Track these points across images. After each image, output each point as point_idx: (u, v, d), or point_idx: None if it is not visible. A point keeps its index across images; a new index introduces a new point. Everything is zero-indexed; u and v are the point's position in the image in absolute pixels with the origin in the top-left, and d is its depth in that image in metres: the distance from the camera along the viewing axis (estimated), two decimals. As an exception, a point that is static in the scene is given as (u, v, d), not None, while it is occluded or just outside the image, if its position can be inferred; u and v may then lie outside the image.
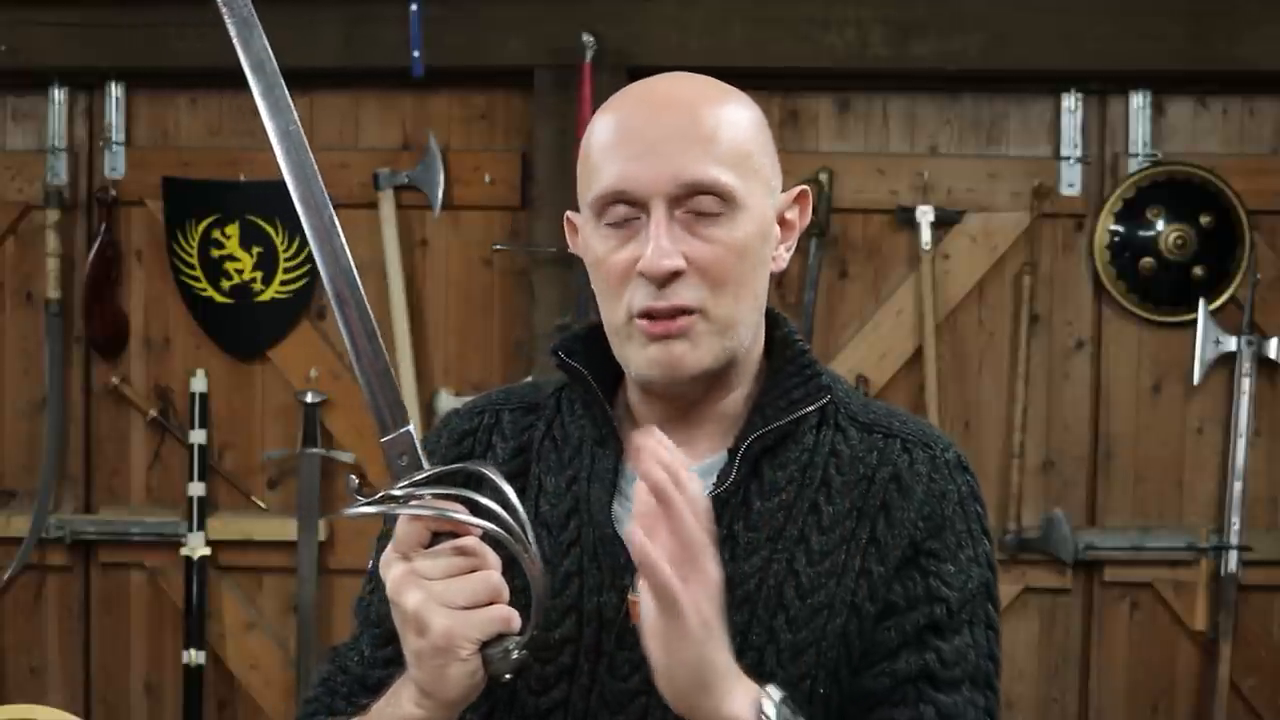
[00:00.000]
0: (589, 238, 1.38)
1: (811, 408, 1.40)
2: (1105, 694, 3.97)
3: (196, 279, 4.03)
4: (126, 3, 3.86)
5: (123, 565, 4.10)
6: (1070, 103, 3.90)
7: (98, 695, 4.14)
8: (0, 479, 4.14)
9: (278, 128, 1.32)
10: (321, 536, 4.00)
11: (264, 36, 1.33)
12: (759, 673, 1.31)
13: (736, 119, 1.37)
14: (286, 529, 4.01)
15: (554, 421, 1.46)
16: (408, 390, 3.92)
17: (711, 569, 1.21)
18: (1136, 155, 3.90)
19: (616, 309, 1.36)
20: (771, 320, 1.45)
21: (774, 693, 1.25)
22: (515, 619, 1.25)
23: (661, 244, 1.32)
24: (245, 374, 4.08)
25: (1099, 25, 3.77)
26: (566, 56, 3.76)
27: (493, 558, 1.26)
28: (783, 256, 1.43)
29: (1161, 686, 3.97)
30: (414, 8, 3.76)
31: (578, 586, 1.37)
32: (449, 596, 1.23)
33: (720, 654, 1.23)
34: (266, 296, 4.02)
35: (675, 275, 1.32)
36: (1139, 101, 3.90)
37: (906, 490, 1.37)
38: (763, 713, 1.23)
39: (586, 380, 1.42)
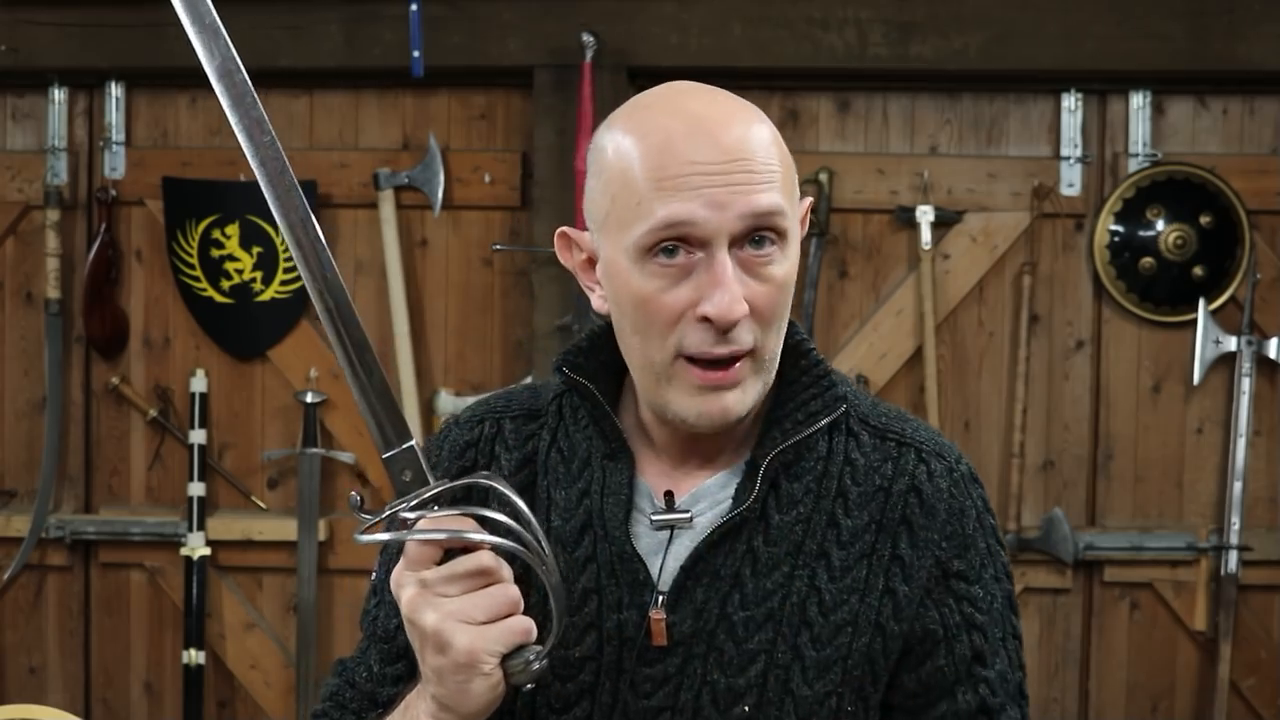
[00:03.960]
0: (626, 273, 1.30)
1: (828, 420, 1.37)
2: (1105, 694, 3.97)
3: (196, 279, 4.03)
4: (126, 3, 3.86)
5: (123, 565, 4.10)
6: (1070, 103, 3.90)
7: (97, 695, 4.14)
8: (0, 479, 4.14)
9: (251, 140, 1.25)
10: (321, 536, 3.99)
11: (230, 44, 1.26)
12: (785, 690, 1.32)
13: (777, 142, 1.33)
14: (286, 529, 4.01)
15: (559, 431, 1.42)
16: (408, 390, 3.92)
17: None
18: (1136, 155, 3.90)
19: (660, 347, 1.30)
20: None
21: None
22: (534, 629, 1.24)
23: (733, 289, 1.26)
24: (245, 374, 4.08)
25: (1099, 25, 3.77)
26: (566, 56, 3.75)
27: (506, 569, 1.25)
28: None
29: (1161, 686, 3.97)
30: (414, 8, 3.76)
31: (596, 604, 1.35)
32: (468, 612, 1.22)
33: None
34: (266, 296, 4.02)
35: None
36: (1139, 101, 3.90)
37: (929, 508, 1.36)
38: None
39: (595, 395, 1.39)
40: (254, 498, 4.07)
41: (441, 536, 1.23)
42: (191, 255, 4.02)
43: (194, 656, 3.99)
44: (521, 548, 1.24)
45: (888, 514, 1.35)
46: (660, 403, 1.33)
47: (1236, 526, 3.85)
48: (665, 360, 1.30)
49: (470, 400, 3.93)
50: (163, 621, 4.11)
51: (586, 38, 3.72)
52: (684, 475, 1.38)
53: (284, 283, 4.01)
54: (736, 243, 1.28)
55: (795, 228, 1.33)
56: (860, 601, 1.33)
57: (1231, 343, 3.87)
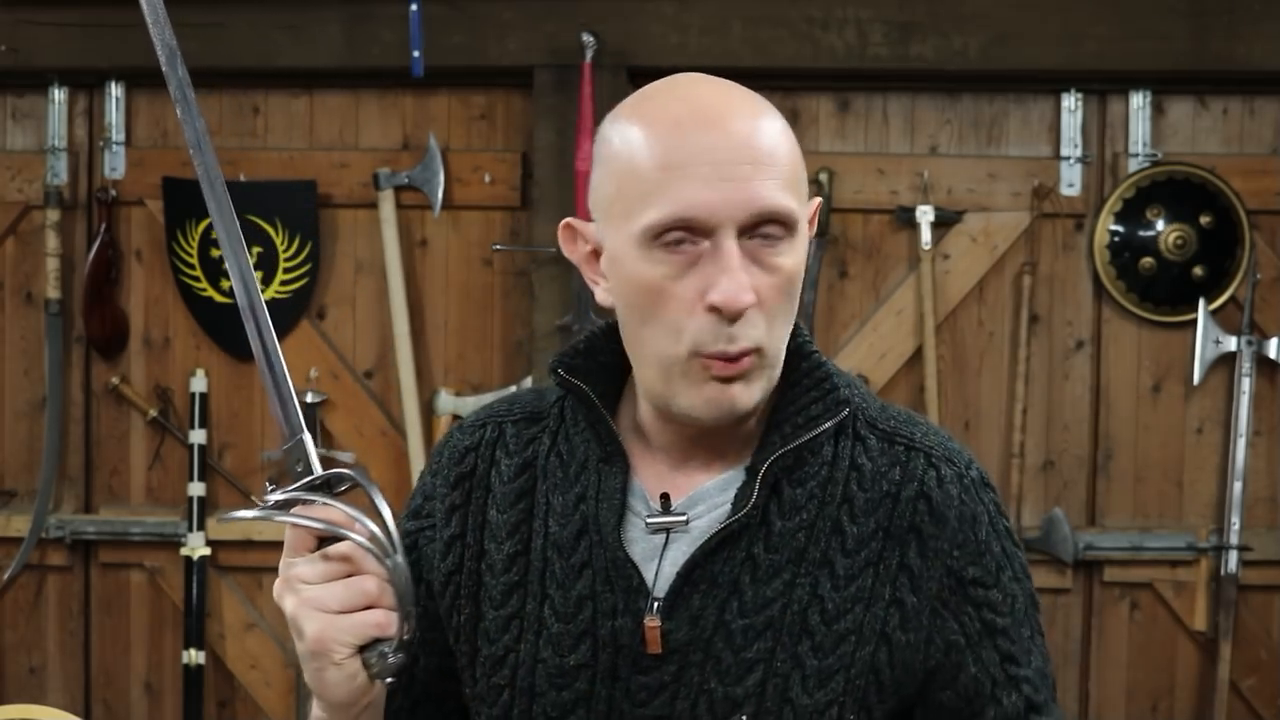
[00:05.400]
0: (632, 261, 1.28)
1: (830, 424, 1.33)
2: (1105, 694, 3.97)
3: (196, 279, 4.03)
4: (126, 3, 3.85)
5: (123, 565, 4.10)
6: (1070, 103, 3.90)
7: (97, 695, 4.15)
8: (0, 479, 4.14)
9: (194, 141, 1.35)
10: (321, 536, 3.99)
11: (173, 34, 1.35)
12: (783, 699, 1.29)
13: (786, 136, 1.30)
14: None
15: (559, 435, 1.40)
16: (408, 390, 3.92)
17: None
18: (1136, 155, 3.90)
19: (673, 343, 1.27)
20: None
21: None
22: (391, 624, 1.25)
23: (740, 277, 1.24)
24: (245, 374, 4.08)
25: (1099, 25, 3.77)
26: (566, 56, 3.75)
27: (371, 563, 1.25)
28: None
29: (1161, 686, 3.97)
30: (414, 8, 3.76)
31: (591, 611, 1.33)
32: (323, 601, 1.24)
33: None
34: (266, 296, 3.96)
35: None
36: (1139, 101, 3.90)
37: (939, 516, 1.33)
38: None
39: (589, 397, 1.36)
40: (254, 498, 4.07)
41: (293, 520, 1.26)
42: (191, 255, 4.02)
43: (194, 656, 3.99)
44: (365, 541, 1.24)
45: (895, 521, 1.32)
46: (667, 397, 1.30)
47: (1236, 526, 3.85)
48: (678, 356, 1.27)
49: (470, 400, 3.96)
50: (163, 621, 4.11)
51: (586, 38, 3.72)
52: (684, 477, 1.35)
53: (284, 283, 4.01)
54: (743, 233, 1.26)
55: (804, 224, 1.30)
56: (865, 611, 1.30)
57: (1231, 343, 3.87)
